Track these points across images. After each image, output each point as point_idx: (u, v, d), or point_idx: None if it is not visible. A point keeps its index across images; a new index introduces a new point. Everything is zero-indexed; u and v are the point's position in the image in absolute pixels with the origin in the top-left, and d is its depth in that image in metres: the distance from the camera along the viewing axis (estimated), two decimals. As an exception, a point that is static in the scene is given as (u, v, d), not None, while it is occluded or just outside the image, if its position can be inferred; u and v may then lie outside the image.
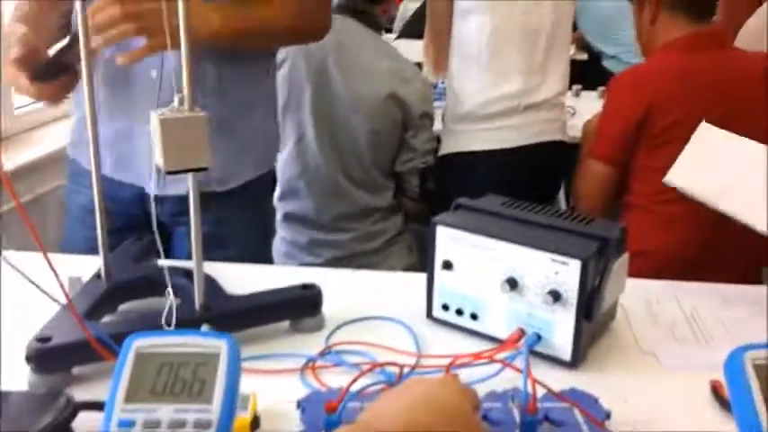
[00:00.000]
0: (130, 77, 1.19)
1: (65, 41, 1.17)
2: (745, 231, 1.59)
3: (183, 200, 0.88)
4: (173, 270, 0.97)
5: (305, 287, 0.94)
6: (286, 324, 0.94)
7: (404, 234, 1.90)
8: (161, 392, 0.60)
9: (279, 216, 1.90)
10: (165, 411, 0.59)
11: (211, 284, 0.91)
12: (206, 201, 0.86)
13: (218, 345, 0.64)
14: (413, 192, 1.83)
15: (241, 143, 1.29)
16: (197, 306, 0.86)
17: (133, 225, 1.21)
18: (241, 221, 1.32)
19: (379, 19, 1.82)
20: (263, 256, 1.39)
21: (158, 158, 0.80)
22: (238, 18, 1.17)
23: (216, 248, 1.01)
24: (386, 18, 2.70)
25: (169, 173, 0.79)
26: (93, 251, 0.96)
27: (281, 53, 1.72)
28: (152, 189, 1.19)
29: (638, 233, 1.55)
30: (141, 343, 0.63)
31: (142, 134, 1.18)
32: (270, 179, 1.40)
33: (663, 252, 1.56)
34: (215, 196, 1.07)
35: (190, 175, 0.82)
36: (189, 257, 0.86)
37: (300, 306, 0.93)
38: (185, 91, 0.78)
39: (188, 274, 0.89)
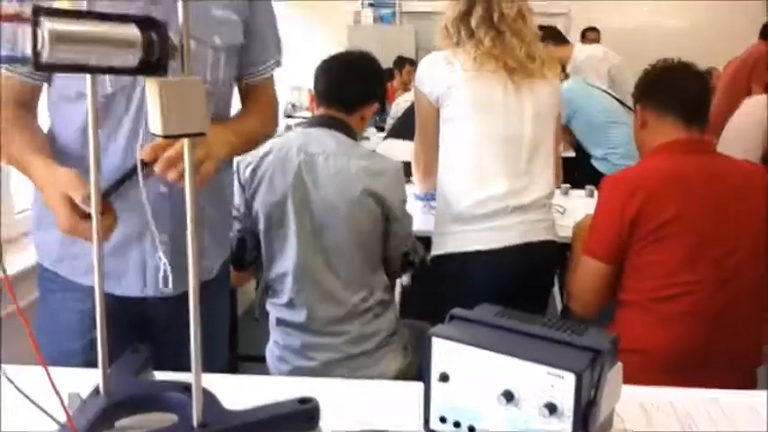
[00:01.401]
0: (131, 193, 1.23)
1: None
2: (739, 329, 1.62)
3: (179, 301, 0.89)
4: (171, 385, 0.98)
5: (302, 401, 0.94)
6: (283, 438, 0.94)
7: (397, 333, 1.90)
8: None
9: (272, 320, 1.90)
10: None
11: (209, 399, 0.91)
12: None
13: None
14: (396, 267, 1.91)
15: (213, 229, 1.42)
16: (194, 423, 0.86)
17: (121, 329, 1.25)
18: (220, 306, 1.51)
19: (354, 126, 1.89)
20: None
21: (154, 124, 0.80)
22: (237, 136, 1.28)
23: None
24: (371, 121, 2.82)
25: (167, 137, 0.81)
26: (90, 362, 0.96)
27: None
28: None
29: (633, 331, 1.57)
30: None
31: (138, 246, 1.29)
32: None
33: (658, 350, 1.57)
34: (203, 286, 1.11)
35: (190, 290, 0.84)
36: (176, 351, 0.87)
37: (298, 420, 0.93)
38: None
39: (187, 388, 0.90)
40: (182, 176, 0.98)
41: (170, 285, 1.31)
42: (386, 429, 0.98)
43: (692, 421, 1.03)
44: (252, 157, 1.80)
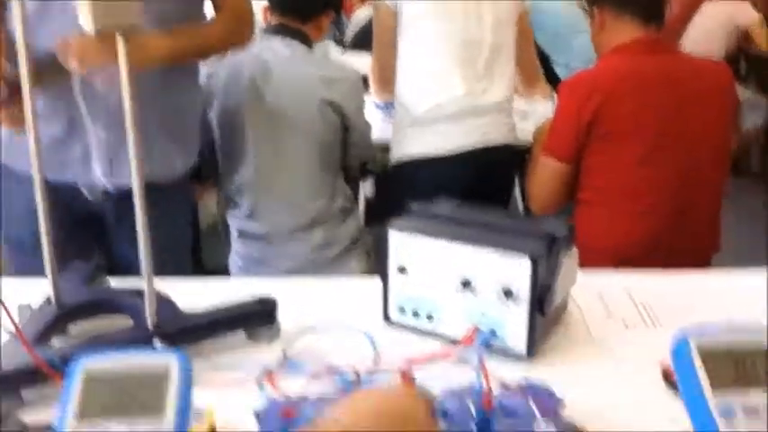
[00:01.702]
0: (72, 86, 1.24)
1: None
2: (696, 223, 1.65)
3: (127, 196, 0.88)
4: (125, 290, 0.97)
5: (260, 301, 0.93)
6: (242, 336, 0.94)
7: (361, 240, 1.90)
8: (111, 412, 0.60)
9: (233, 232, 1.88)
10: (118, 428, 0.59)
11: (164, 302, 0.90)
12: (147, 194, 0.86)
13: (169, 361, 0.63)
14: (355, 172, 1.89)
15: (171, 130, 1.41)
16: (149, 325, 0.85)
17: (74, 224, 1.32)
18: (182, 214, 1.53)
19: (310, 36, 1.83)
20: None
21: (84, 19, 0.78)
22: (185, 40, 1.27)
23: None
24: (328, 33, 2.73)
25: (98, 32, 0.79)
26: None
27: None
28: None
29: (590, 229, 1.58)
30: (90, 363, 0.62)
31: (81, 137, 1.30)
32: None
33: (613, 247, 1.60)
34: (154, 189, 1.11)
35: (135, 189, 0.81)
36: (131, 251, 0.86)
37: (256, 318, 0.92)
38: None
39: (140, 293, 0.89)
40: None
41: (114, 181, 1.33)
42: (344, 322, 0.98)
43: (647, 302, 1.05)
44: (205, 66, 1.74)
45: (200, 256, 3.01)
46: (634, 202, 1.59)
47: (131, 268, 1.04)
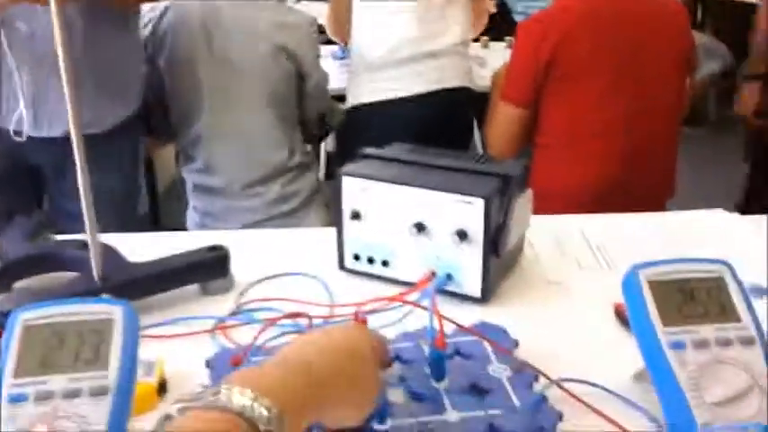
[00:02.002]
0: None
1: None
2: (652, 167, 1.66)
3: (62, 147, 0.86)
4: (69, 243, 0.94)
5: (211, 249, 0.91)
6: (195, 288, 0.92)
7: (320, 193, 1.88)
8: (53, 363, 0.58)
9: (189, 186, 1.85)
10: (58, 382, 0.57)
11: (111, 254, 0.87)
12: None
13: (112, 310, 0.61)
14: (314, 128, 1.84)
15: (102, 79, 1.40)
16: (95, 277, 0.82)
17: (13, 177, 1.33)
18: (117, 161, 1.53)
19: None
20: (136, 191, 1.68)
21: None
22: None
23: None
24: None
25: None
26: None
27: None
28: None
29: (547, 173, 1.59)
30: (28, 315, 0.60)
31: (8, 83, 1.28)
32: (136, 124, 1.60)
33: (571, 190, 1.60)
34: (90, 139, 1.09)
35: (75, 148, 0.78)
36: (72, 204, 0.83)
37: (208, 268, 0.90)
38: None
39: (86, 245, 0.86)
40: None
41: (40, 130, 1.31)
42: (299, 271, 0.97)
43: (602, 243, 1.05)
44: (151, 12, 1.67)
45: (159, 217, 2.96)
46: (590, 144, 1.60)
47: (76, 223, 1.01)
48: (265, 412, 0.45)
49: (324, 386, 0.53)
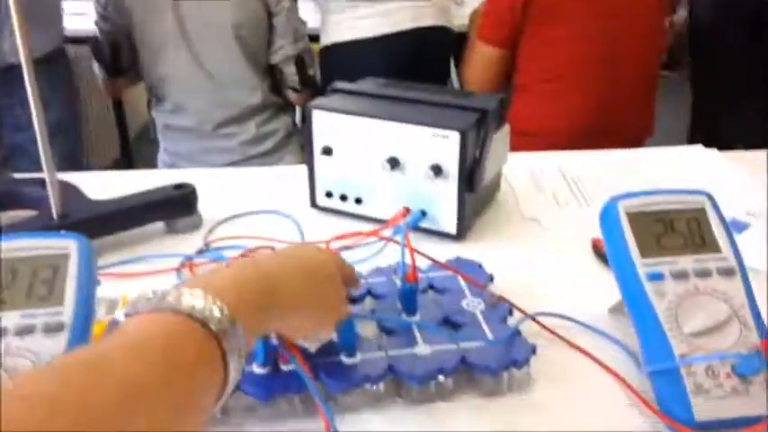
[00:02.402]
0: None
1: None
2: (631, 106, 1.63)
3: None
4: (29, 181, 0.90)
5: (177, 186, 0.88)
6: (162, 227, 0.89)
7: (296, 134, 1.84)
8: (5, 300, 0.55)
9: (159, 127, 1.79)
10: (11, 318, 0.54)
11: (71, 191, 0.84)
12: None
13: (67, 245, 0.58)
14: (292, 82, 1.75)
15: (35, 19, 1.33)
16: (54, 214, 0.79)
17: None
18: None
19: None
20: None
21: None
22: None
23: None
24: None
25: None
26: None
27: None
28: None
29: (526, 114, 1.56)
30: (-23, 251, 0.57)
31: None
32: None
33: (549, 130, 1.58)
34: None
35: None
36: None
37: (173, 206, 0.87)
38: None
39: (45, 182, 0.82)
40: None
41: None
42: (270, 209, 0.94)
43: (579, 180, 1.03)
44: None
45: (132, 162, 2.90)
46: (568, 84, 1.56)
47: (24, 159, 0.98)
48: (217, 312, 0.42)
49: (280, 290, 0.49)
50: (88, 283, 0.57)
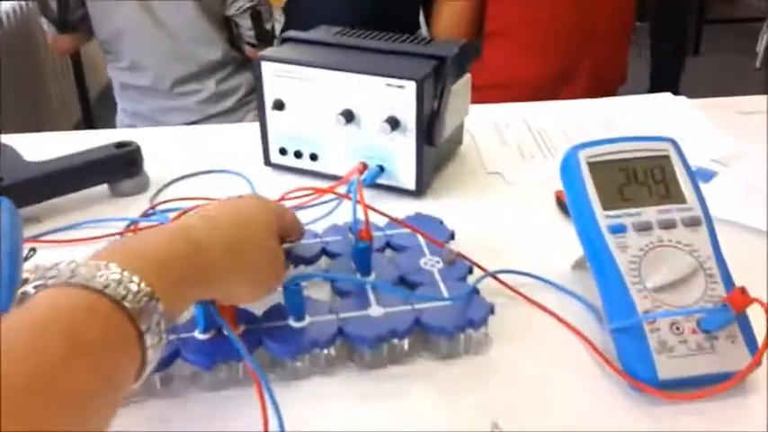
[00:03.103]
0: None
1: None
2: (602, 52, 1.60)
3: None
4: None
5: (120, 145, 0.83)
6: (105, 190, 0.84)
7: (257, 91, 1.78)
8: None
9: (115, 86, 1.72)
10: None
11: (6, 152, 0.79)
12: None
13: (-13, 208, 0.54)
14: (248, 36, 1.68)
15: None
16: (-14, 177, 0.74)
17: None
18: None
19: None
20: None
21: None
22: None
23: None
24: None
25: None
26: None
27: None
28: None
29: (496, 64, 1.51)
30: None
31: None
32: None
33: (519, 81, 1.53)
34: None
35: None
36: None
37: (116, 166, 0.82)
38: None
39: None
40: None
41: None
42: (221, 168, 0.90)
43: (544, 132, 0.99)
44: None
45: (93, 124, 2.81)
46: (538, 31, 1.52)
47: None
48: (134, 288, 0.38)
49: (207, 261, 0.46)
50: (11, 249, 0.53)
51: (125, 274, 0.39)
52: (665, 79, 2.37)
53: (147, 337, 0.38)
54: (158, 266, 0.41)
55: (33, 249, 0.70)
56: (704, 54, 3.86)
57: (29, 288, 0.39)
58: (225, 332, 0.52)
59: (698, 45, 3.87)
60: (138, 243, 0.44)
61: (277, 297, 0.58)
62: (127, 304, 0.38)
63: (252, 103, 1.76)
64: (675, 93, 1.11)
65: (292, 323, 0.56)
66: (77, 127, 2.82)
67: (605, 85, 1.63)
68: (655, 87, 2.55)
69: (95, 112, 2.87)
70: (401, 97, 0.78)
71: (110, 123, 2.09)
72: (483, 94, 1.12)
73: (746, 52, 3.75)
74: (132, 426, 0.52)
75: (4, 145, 0.81)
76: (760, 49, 3.69)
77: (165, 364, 0.53)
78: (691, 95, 1.10)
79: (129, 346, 0.38)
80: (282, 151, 0.88)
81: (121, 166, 0.82)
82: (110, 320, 0.37)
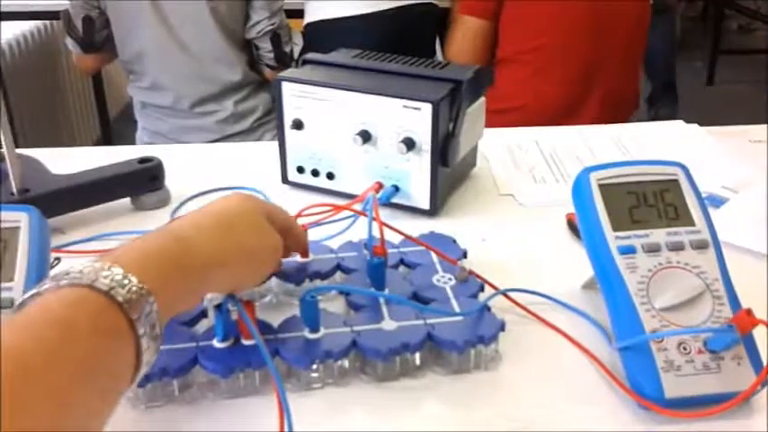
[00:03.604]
0: None
1: None
2: (616, 77, 1.61)
3: None
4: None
5: (143, 160, 0.86)
6: (128, 203, 0.87)
7: (275, 111, 1.80)
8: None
9: (136, 105, 1.76)
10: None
11: (32, 164, 0.81)
12: None
13: (18, 217, 0.56)
14: (268, 58, 1.72)
15: None
16: (13, 189, 0.76)
17: None
18: None
19: None
20: None
21: None
22: None
23: None
24: None
25: None
26: None
27: None
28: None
29: (509, 90, 1.54)
30: None
31: None
32: None
33: (533, 107, 1.55)
34: None
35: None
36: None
37: (139, 180, 0.85)
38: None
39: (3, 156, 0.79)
40: None
41: None
42: (240, 185, 0.92)
43: (556, 155, 1.01)
44: None
45: (112, 142, 2.85)
46: (552, 55, 1.54)
47: None
48: (123, 279, 0.40)
49: (195, 251, 0.48)
50: (39, 255, 0.55)
51: (113, 269, 0.41)
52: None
53: (139, 328, 0.40)
54: (145, 265, 0.43)
55: (58, 259, 0.72)
56: (718, 84, 3.87)
57: (25, 297, 0.40)
58: (251, 335, 0.54)
59: (712, 75, 3.89)
60: (128, 247, 0.46)
61: (293, 309, 0.60)
62: (118, 297, 0.39)
63: (269, 123, 1.79)
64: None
65: (307, 334, 0.58)
66: (97, 144, 2.87)
67: (618, 111, 1.65)
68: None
69: (114, 130, 2.92)
70: (417, 119, 0.80)
71: (128, 141, 2.14)
72: (495, 119, 1.14)
73: (760, 83, 3.76)
74: (151, 429, 0.53)
75: (30, 157, 0.84)
76: (774, 79, 3.69)
77: (183, 370, 0.55)
78: (703, 124, 1.12)
79: (120, 338, 0.39)
80: (300, 170, 0.90)
81: (144, 181, 0.84)
82: (98, 311, 0.39)
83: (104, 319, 0.39)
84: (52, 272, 0.42)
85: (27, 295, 0.40)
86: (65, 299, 0.39)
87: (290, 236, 0.61)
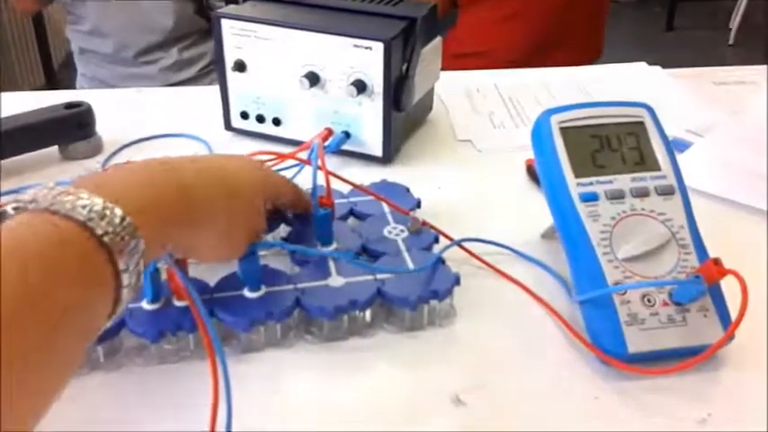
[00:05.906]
0: None
1: None
2: (579, 23, 1.57)
3: None
4: None
5: (70, 105, 0.79)
6: (55, 152, 0.80)
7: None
8: None
9: (75, 49, 1.66)
10: None
11: (-54, 111, 0.74)
12: None
13: None
14: (218, 6, 1.63)
15: None
16: None
17: None
18: None
19: None
20: None
21: None
22: None
23: None
24: None
25: None
26: None
27: None
28: None
29: (474, 33, 1.48)
30: None
31: None
32: None
33: (495, 50, 1.50)
34: None
35: None
36: None
37: (66, 127, 0.78)
38: None
39: None
40: None
41: None
42: (179, 132, 0.85)
43: (516, 99, 0.97)
44: None
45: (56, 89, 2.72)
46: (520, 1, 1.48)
47: None
48: (117, 220, 0.36)
49: (197, 209, 0.44)
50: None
51: (108, 207, 0.36)
52: None
53: (124, 276, 0.36)
54: (143, 204, 0.39)
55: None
56: (678, 30, 3.85)
57: (8, 208, 0.36)
58: (183, 295, 0.49)
59: (671, 21, 3.87)
60: (131, 180, 0.42)
61: (231, 266, 0.55)
62: (107, 240, 0.35)
63: (214, 72, 1.71)
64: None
65: (247, 293, 0.53)
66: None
67: (583, 57, 1.61)
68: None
69: (60, 77, 2.79)
70: (368, 59, 0.74)
71: (73, 89, 2.03)
72: (458, 63, 1.09)
73: (719, 29, 3.75)
74: (73, 398, 0.48)
75: (-54, 104, 0.77)
76: (733, 25, 3.69)
77: (109, 335, 0.50)
78: (665, 68, 1.08)
79: (102, 283, 0.36)
80: (244, 115, 0.84)
81: (72, 128, 0.78)
82: (88, 257, 0.35)
83: (91, 267, 0.35)
84: (43, 190, 0.36)
85: (11, 207, 0.36)
86: (54, 232, 0.34)
87: (297, 208, 0.59)
